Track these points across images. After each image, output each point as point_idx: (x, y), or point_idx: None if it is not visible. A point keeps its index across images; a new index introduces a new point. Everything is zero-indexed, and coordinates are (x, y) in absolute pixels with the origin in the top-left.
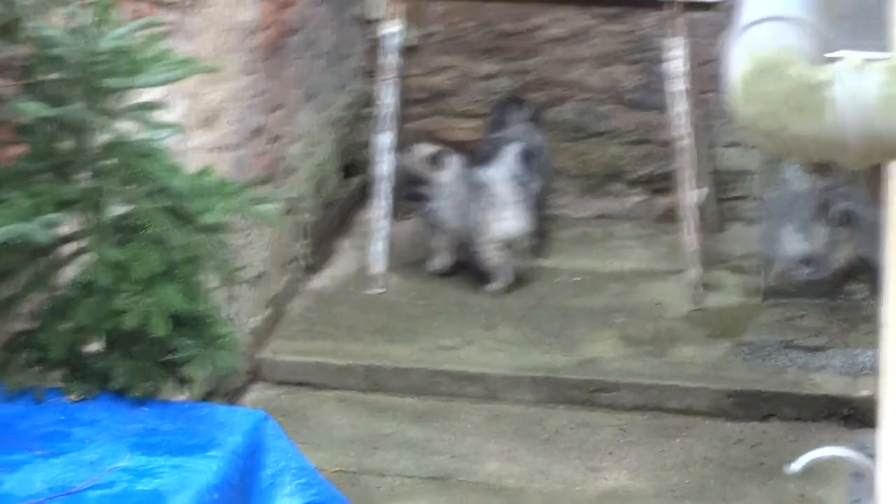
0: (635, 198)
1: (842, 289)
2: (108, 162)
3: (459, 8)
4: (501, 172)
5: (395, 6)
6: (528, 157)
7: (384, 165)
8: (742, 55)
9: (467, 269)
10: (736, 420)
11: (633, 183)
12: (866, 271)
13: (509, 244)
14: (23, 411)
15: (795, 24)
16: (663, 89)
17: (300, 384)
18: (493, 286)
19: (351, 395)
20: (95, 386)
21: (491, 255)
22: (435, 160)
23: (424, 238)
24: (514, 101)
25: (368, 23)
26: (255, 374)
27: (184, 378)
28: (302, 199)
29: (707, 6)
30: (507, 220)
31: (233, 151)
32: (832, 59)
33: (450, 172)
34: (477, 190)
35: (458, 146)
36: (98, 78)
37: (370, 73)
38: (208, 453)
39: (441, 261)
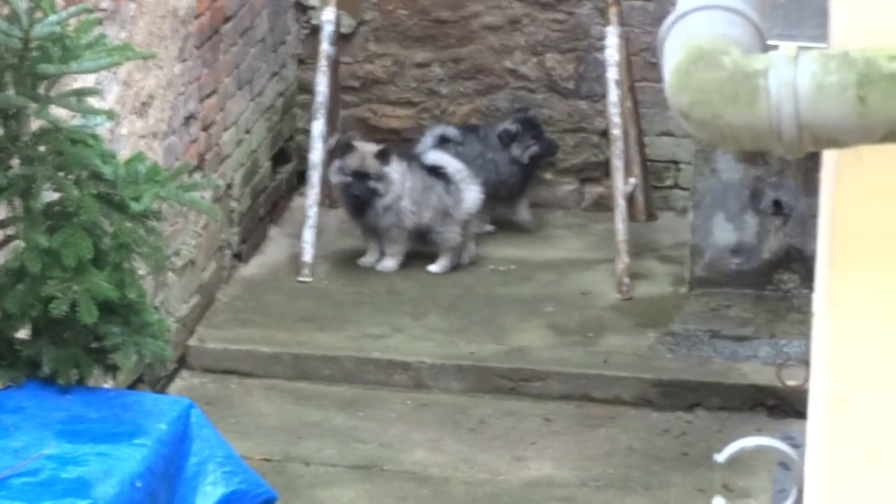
0: (567, 186)
1: (771, 279)
2: (41, 148)
3: None
4: (445, 153)
5: None
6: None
7: (317, 153)
8: (676, 44)
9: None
10: (662, 410)
11: (565, 172)
12: (796, 261)
13: (469, 222)
14: None
15: (730, 13)
16: (597, 78)
17: (228, 372)
18: (439, 266)
19: (278, 383)
20: (22, 373)
21: (453, 236)
22: (383, 156)
23: (374, 236)
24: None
25: (304, 10)
26: (183, 362)
27: (111, 365)
28: (233, 186)
29: None
30: (470, 195)
31: (165, 138)
32: (767, 49)
33: (398, 166)
34: (431, 175)
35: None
36: (32, 64)
37: (304, 61)
38: (134, 441)
39: (395, 259)
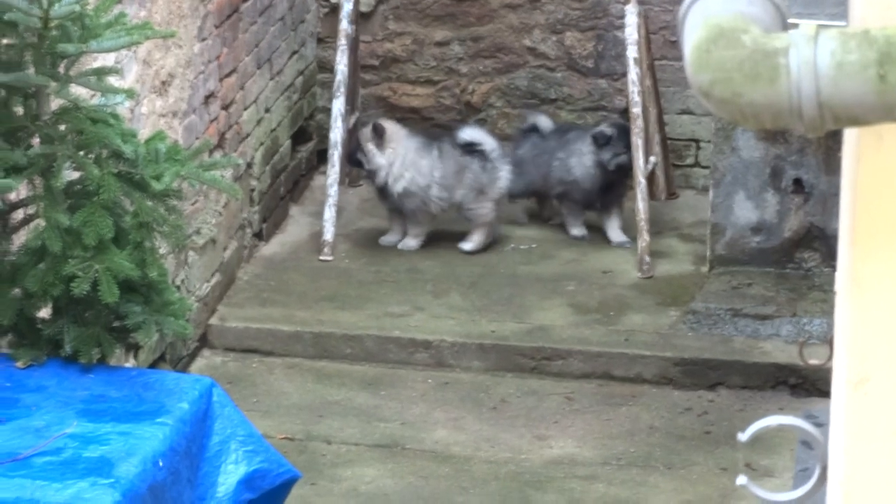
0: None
1: (792, 257)
2: (61, 128)
3: None
4: (480, 130)
5: None
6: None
7: (337, 132)
8: (697, 22)
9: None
10: (683, 388)
11: None
12: (817, 240)
13: (501, 200)
14: None
15: None
16: (616, 56)
17: (249, 351)
18: (472, 243)
19: (299, 361)
20: (44, 352)
21: (486, 212)
22: (377, 134)
23: (398, 215)
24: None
25: None
26: (204, 341)
27: (133, 345)
28: (253, 165)
29: None
30: (504, 174)
31: (185, 117)
32: (787, 27)
33: (417, 155)
34: (466, 153)
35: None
36: (51, 43)
37: (324, 40)
38: (156, 420)
39: (417, 240)
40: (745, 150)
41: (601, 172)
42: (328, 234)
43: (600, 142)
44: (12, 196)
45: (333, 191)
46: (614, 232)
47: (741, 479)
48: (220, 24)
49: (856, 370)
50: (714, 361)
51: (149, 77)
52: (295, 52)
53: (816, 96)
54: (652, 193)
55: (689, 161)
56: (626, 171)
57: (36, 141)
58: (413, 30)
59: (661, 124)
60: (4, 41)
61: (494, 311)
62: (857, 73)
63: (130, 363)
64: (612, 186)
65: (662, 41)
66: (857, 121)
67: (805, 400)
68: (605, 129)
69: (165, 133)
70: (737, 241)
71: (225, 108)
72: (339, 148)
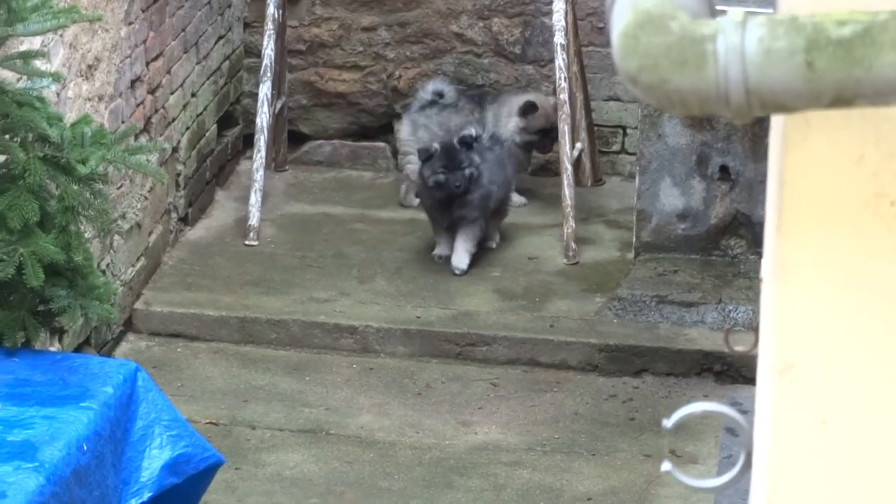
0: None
1: (718, 244)
2: None
3: None
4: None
5: None
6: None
7: (264, 117)
8: (624, 8)
9: None
10: (608, 375)
11: None
12: (743, 227)
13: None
14: None
15: None
16: (544, 43)
17: (174, 336)
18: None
19: (224, 346)
20: None
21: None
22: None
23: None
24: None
25: None
26: (129, 326)
27: (57, 329)
28: (179, 149)
29: None
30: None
31: (111, 101)
32: (715, 14)
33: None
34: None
35: None
36: None
37: (251, 24)
38: (80, 404)
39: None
40: (672, 137)
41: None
42: (254, 219)
43: (422, 157)
44: None
45: (259, 175)
46: (455, 256)
47: (666, 466)
48: (146, 7)
49: (781, 357)
50: (639, 348)
51: (75, 61)
52: (222, 37)
53: (744, 83)
54: (578, 180)
55: (616, 147)
56: (449, 191)
57: None
58: (340, 15)
59: (588, 111)
60: None
61: (420, 297)
62: (784, 60)
63: (55, 347)
64: (448, 205)
65: (590, 27)
66: (785, 108)
67: (730, 387)
68: (431, 146)
69: (91, 117)
70: (663, 228)
71: (151, 92)
72: (266, 133)
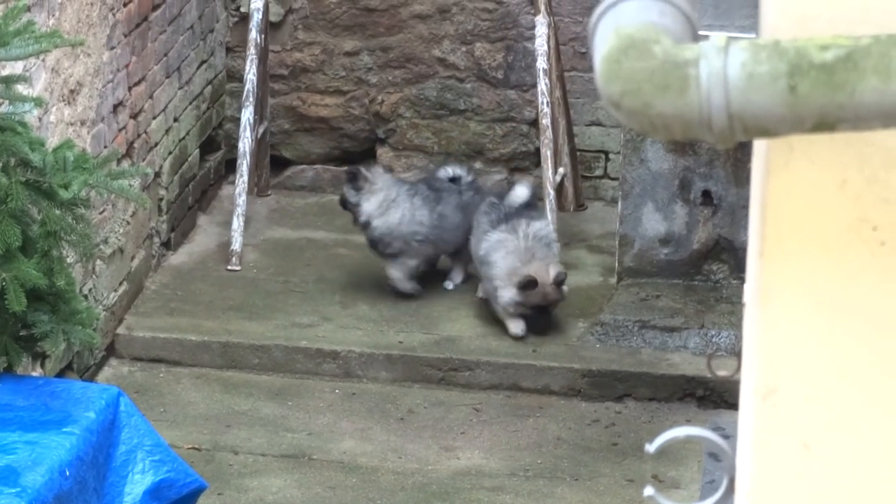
0: (496, 176)
1: (700, 269)
2: None
3: None
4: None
5: None
6: None
7: (246, 141)
8: (607, 33)
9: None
10: (591, 400)
11: (495, 161)
12: (725, 251)
13: None
14: None
15: (661, 3)
16: (526, 67)
17: (156, 361)
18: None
19: (207, 371)
20: None
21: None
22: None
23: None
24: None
25: None
26: (111, 351)
27: (40, 353)
28: (161, 174)
29: None
30: None
31: (93, 126)
32: (698, 39)
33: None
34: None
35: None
36: None
37: (233, 49)
38: (63, 429)
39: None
40: (654, 162)
41: None
42: (236, 244)
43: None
44: None
45: (242, 200)
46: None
47: (648, 491)
48: (129, 32)
49: (763, 381)
50: (622, 373)
51: (57, 85)
52: (204, 62)
53: (726, 107)
54: (561, 205)
55: (598, 172)
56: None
57: None
58: (322, 39)
59: (571, 135)
60: None
61: (402, 322)
62: (767, 85)
63: (37, 372)
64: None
65: (572, 52)
66: (767, 132)
67: (712, 412)
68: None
69: (74, 142)
70: (645, 253)
71: (133, 116)
72: (248, 157)
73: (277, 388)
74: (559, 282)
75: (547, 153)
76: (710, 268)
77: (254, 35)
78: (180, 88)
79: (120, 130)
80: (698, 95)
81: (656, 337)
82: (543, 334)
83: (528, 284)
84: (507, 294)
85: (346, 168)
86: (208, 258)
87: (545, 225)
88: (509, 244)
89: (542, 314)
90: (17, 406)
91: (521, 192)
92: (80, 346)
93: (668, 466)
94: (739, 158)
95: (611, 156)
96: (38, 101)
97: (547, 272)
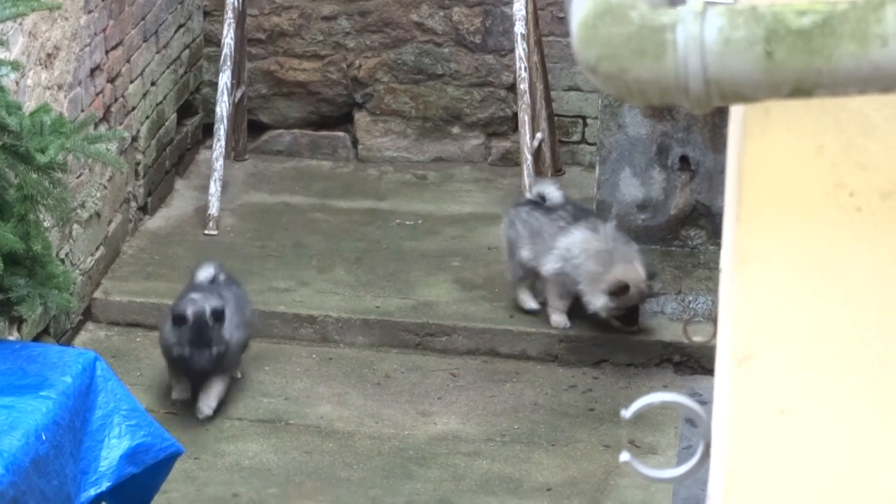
0: (474, 141)
1: (678, 235)
2: None
3: None
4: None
5: None
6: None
7: (224, 106)
8: None
9: None
10: (568, 366)
11: (472, 126)
12: (703, 217)
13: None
14: None
15: None
16: (504, 32)
17: (133, 325)
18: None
19: None
20: None
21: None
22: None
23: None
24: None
25: None
26: (88, 315)
27: (16, 318)
28: (138, 138)
29: None
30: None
31: (70, 90)
32: (675, 4)
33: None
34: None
35: None
36: None
37: (211, 13)
38: (39, 394)
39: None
40: (632, 127)
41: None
42: (213, 209)
43: (176, 322)
44: None
45: (219, 165)
46: (205, 400)
47: (624, 456)
48: None
49: (740, 347)
50: (599, 338)
51: (34, 49)
52: (182, 26)
53: (703, 73)
54: (538, 170)
55: (576, 138)
56: (196, 369)
57: None
58: (300, 4)
59: (549, 100)
60: None
61: (379, 287)
62: (744, 50)
63: (14, 336)
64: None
65: (550, 17)
66: (744, 97)
67: (689, 377)
68: (186, 313)
69: (50, 106)
70: (623, 219)
71: (111, 80)
72: (225, 122)
73: (254, 352)
74: (651, 277)
75: (524, 118)
76: (687, 233)
77: None
78: (158, 52)
79: (97, 94)
80: (675, 61)
81: None
82: (634, 325)
83: (620, 290)
84: (597, 301)
85: None
86: (185, 223)
87: (614, 223)
88: (591, 245)
89: (634, 310)
90: None
91: (554, 192)
92: (56, 311)
93: (644, 432)
94: (717, 124)
95: (588, 121)
96: (15, 65)
97: (636, 271)
